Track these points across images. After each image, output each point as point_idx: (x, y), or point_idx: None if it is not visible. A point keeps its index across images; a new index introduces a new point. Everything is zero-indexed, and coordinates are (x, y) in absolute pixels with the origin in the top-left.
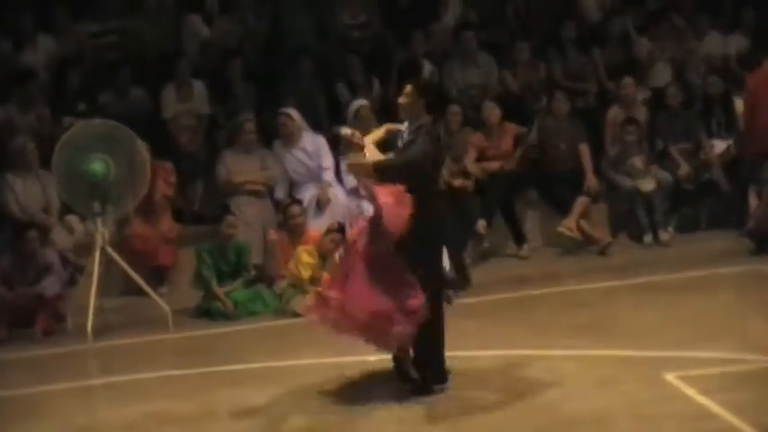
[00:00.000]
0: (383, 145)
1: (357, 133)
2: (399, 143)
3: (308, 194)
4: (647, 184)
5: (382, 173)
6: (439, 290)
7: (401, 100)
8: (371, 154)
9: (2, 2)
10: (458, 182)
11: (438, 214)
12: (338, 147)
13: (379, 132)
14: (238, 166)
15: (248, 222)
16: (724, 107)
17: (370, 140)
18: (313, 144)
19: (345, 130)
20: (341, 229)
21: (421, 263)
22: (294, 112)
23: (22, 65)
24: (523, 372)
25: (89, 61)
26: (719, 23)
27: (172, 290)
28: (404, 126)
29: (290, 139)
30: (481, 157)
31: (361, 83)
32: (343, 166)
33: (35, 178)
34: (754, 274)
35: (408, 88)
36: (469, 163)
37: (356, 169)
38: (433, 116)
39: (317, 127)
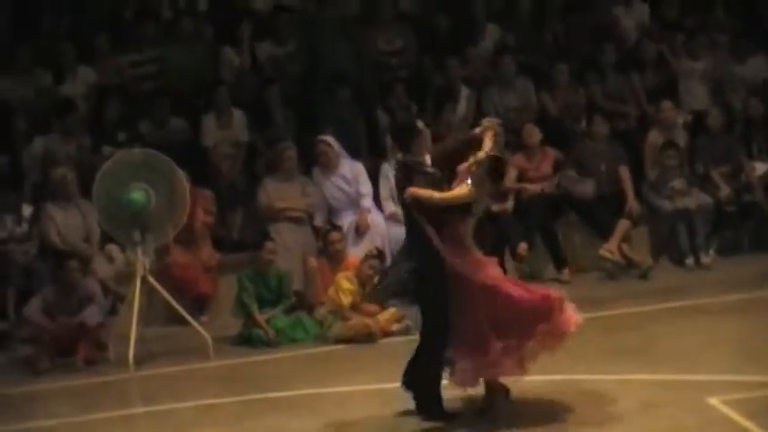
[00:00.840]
0: None
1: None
2: None
3: (346, 221)
4: (690, 203)
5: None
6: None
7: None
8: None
9: (43, 35)
10: (497, 206)
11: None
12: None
13: None
14: (279, 194)
15: (288, 249)
16: (765, 130)
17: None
18: (351, 171)
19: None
20: (380, 254)
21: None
22: (332, 140)
23: (63, 96)
24: (565, 397)
25: (128, 91)
26: (762, 47)
27: (212, 318)
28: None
29: (329, 166)
30: (521, 179)
31: (401, 109)
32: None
33: (76, 208)
34: None
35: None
36: (509, 183)
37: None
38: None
39: (355, 154)
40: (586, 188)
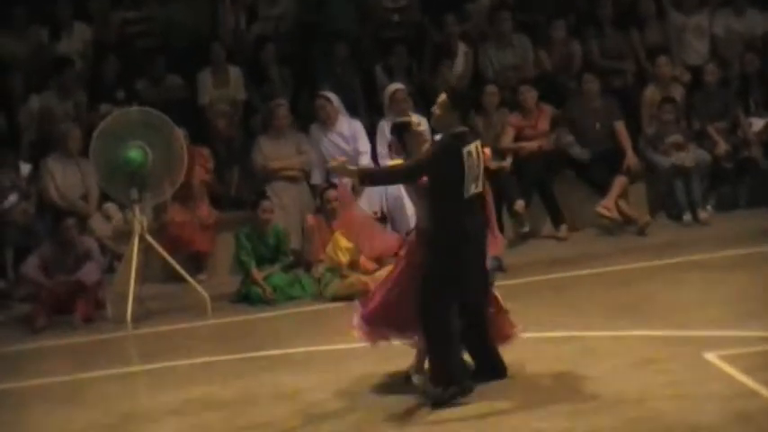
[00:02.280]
0: None
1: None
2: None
3: (344, 179)
4: (687, 158)
5: (364, 179)
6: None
7: (434, 110)
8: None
9: None
10: (494, 164)
11: (456, 227)
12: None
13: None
14: (274, 152)
15: (285, 207)
16: (762, 85)
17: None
18: (350, 128)
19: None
20: (382, 218)
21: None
22: (333, 96)
23: (59, 53)
24: (563, 353)
25: (125, 49)
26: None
27: (210, 276)
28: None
29: (328, 123)
30: (519, 138)
31: (399, 66)
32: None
33: (75, 166)
34: None
35: (442, 98)
36: (507, 143)
37: (340, 171)
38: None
39: (352, 111)
40: (582, 154)
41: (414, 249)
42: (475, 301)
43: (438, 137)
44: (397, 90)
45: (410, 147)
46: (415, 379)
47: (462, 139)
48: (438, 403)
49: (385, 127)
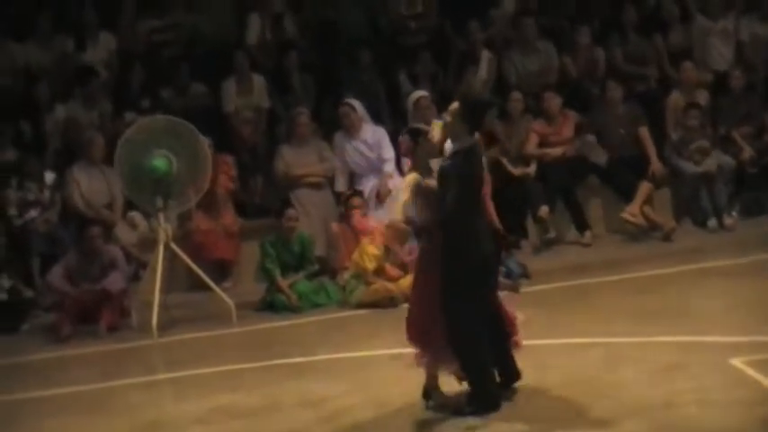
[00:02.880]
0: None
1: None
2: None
3: (368, 186)
4: (712, 164)
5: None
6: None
7: (445, 116)
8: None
9: (64, 1)
10: (518, 170)
11: (476, 235)
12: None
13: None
14: (296, 160)
15: (309, 215)
16: None
17: (407, 183)
18: (374, 135)
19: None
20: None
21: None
22: (357, 103)
23: (84, 62)
24: (589, 358)
25: (150, 57)
26: None
27: (235, 283)
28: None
29: (352, 131)
30: (543, 144)
31: (423, 73)
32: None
33: (100, 174)
34: None
35: (454, 106)
36: (531, 149)
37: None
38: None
39: (376, 118)
40: (600, 157)
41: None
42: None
43: (450, 146)
44: (420, 97)
45: (420, 153)
46: (431, 403)
47: (475, 153)
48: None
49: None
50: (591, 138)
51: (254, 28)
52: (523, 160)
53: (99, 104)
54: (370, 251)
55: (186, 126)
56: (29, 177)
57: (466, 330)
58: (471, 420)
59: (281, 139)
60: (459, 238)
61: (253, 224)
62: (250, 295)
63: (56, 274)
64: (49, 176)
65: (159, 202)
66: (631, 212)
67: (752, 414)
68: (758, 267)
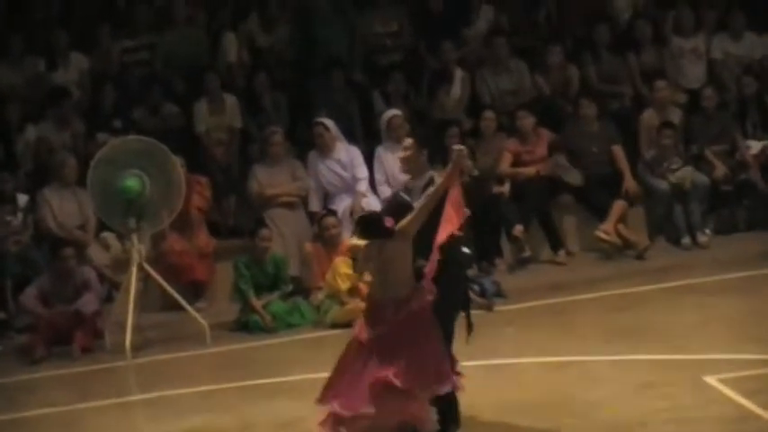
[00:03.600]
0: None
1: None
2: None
3: (342, 205)
4: (686, 182)
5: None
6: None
7: (402, 156)
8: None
9: (36, 22)
10: (496, 189)
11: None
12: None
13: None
14: (269, 179)
15: (282, 235)
16: (759, 108)
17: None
18: (348, 155)
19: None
20: None
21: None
22: (330, 122)
23: (56, 83)
24: (562, 377)
25: (122, 78)
26: (755, 24)
27: (209, 304)
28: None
29: (326, 150)
30: (516, 163)
31: (396, 92)
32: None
33: (72, 195)
34: None
35: (408, 142)
36: (505, 168)
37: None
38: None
39: (350, 137)
40: (574, 177)
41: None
42: None
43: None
44: (393, 116)
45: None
46: None
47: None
48: None
49: (381, 153)
50: (562, 159)
51: (232, 47)
52: (497, 179)
53: (71, 125)
54: (342, 271)
55: (159, 146)
56: (1, 199)
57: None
58: None
59: (255, 159)
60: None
61: (226, 244)
62: (224, 316)
63: (29, 296)
64: (22, 198)
65: (132, 222)
66: (605, 231)
67: (726, 431)
68: (732, 285)
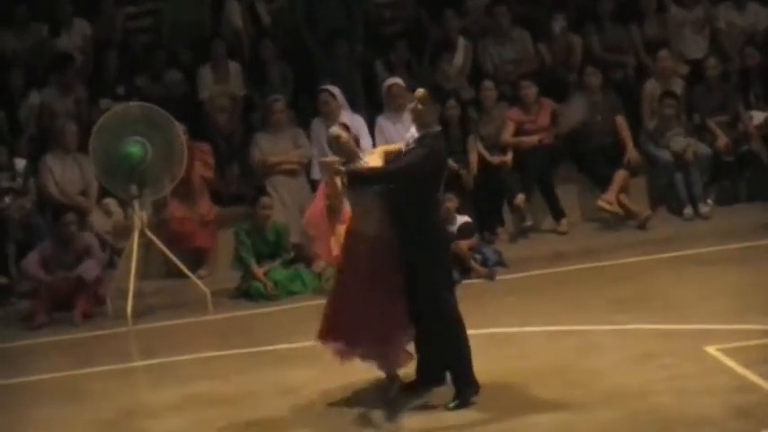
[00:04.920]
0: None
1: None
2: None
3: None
4: (688, 152)
5: (352, 178)
6: (451, 296)
7: (412, 105)
8: (374, 162)
9: None
10: (495, 158)
11: (434, 225)
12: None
13: (383, 149)
14: (271, 147)
15: (284, 202)
16: (762, 78)
17: (379, 151)
18: (352, 124)
19: (335, 131)
20: None
21: (422, 275)
22: (336, 90)
23: (59, 49)
24: (564, 347)
25: (126, 44)
26: None
27: (211, 271)
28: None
29: (331, 118)
30: (519, 132)
31: (399, 61)
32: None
33: (74, 161)
34: None
35: (420, 93)
36: (507, 137)
37: (326, 167)
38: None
39: (353, 107)
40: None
41: (374, 256)
42: None
43: (414, 134)
44: (393, 84)
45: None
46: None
47: (441, 138)
48: (462, 405)
49: (382, 123)
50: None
51: (236, 14)
52: (500, 148)
53: (74, 91)
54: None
55: (161, 113)
56: (1, 165)
57: (454, 320)
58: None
59: (257, 126)
60: (426, 229)
61: (228, 212)
62: (226, 283)
63: (31, 261)
64: (20, 163)
65: (134, 189)
66: (607, 200)
67: (726, 401)
68: (733, 255)
